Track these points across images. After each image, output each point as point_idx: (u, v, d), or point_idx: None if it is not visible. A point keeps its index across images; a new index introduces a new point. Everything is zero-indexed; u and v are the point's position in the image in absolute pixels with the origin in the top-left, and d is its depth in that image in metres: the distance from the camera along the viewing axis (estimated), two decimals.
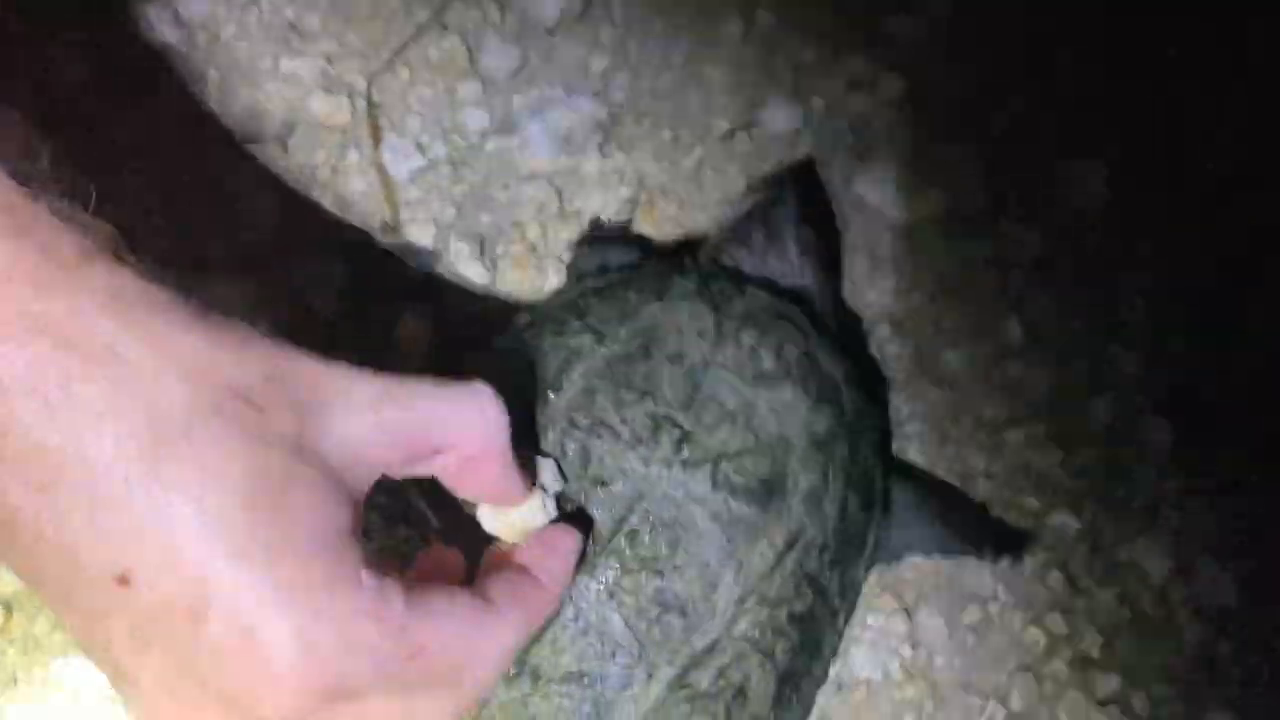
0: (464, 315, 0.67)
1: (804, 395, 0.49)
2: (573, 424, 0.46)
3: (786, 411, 0.48)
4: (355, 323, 0.65)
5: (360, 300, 0.66)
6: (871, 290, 0.72)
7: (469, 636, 0.32)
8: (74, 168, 0.66)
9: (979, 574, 0.63)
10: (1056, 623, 0.62)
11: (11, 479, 0.26)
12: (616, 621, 0.43)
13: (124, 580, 0.26)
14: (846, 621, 0.51)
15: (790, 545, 0.46)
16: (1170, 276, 0.74)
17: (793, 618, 0.46)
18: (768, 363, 0.49)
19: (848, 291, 0.72)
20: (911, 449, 0.67)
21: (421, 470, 0.34)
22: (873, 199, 0.75)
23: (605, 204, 0.71)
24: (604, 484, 0.45)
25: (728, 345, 0.49)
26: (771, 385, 0.48)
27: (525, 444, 0.43)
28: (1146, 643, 0.62)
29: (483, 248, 0.69)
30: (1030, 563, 0.64)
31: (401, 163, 0.70)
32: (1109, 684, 0.61)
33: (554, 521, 0.41)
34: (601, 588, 0.43)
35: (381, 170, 0.69)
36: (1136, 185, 0.77)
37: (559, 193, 0.71)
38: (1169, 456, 0.68)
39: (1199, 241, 0.75)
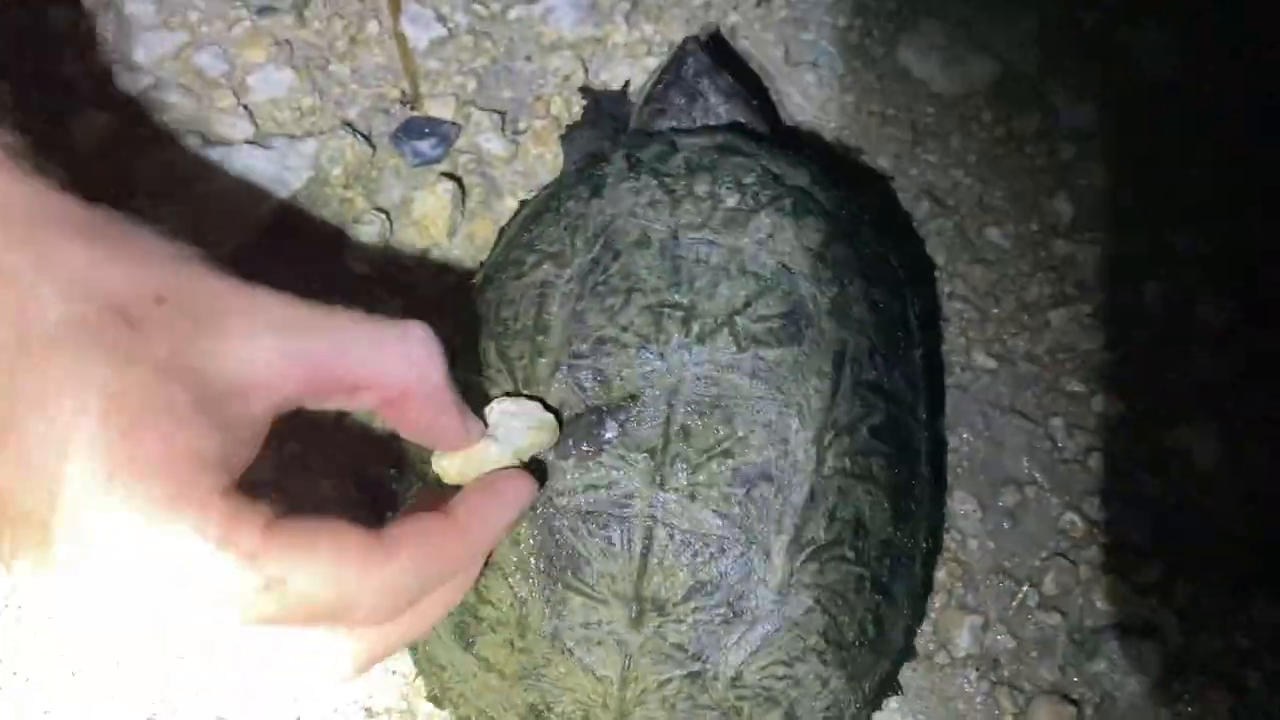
0: (484, 194, 0.65)
1: (781, 215, 0.46)
2: (575, 356, 0.42)
3: (773, 239, 0.45)
4: (368, 198, 0.63)
5: (377, 176, 0.64)
6: (913, 166, 0.69)
7: (344, 574, 0.29)
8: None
9: (1016, 457, 0.61)
10: (1095, 508, 0.60)
11: None
12: (710, 519, 0.41)
13: None
14: (930, 412, 0.50)
15: (839, 365, 0.44)
16: (1234, 151, 0.69)
17: (874, 431, 0.44)
18: (731, 199, 0.46)
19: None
20: (950, 328, 0.64)
21: (338, 405, 0.32)
22: (917, 69, 0.71)
23: (633, 76, 0.68)
24: (634, 397, 0.42)
25: (684, 203, 0.45)
26: (745, 221, 0.45)
27: (522, 395, 0.41)
28: (1191, 530, 0.59)
29: (504, 122, 0.66)
30: (1071, 446, 0.61)
31: (422, 33, 0.68)
32: (1150, 572, 0.58)
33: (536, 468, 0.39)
34: (681, 495, 0.41)
35: (401, 41, 0.67)
36: (1202, 53, 0.72)
37: (584, 64, 0.68)
38: (1225, 338, 0.65)
39: (1266, 114, 0.70)
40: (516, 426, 0.39)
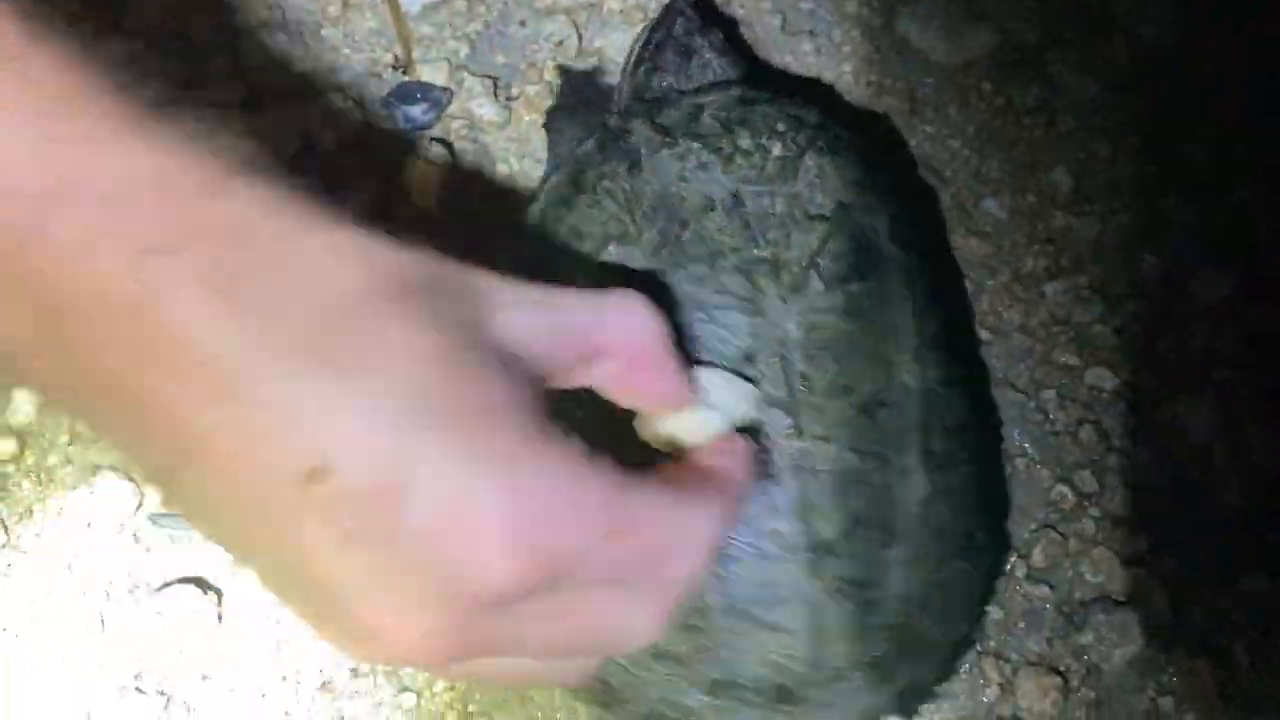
0: (475, 161, 0.65)
1: (821, 155, 0.47)
2: (679, 329, 0.43)
3: (822, 179, 0.47)
4: (359, 164, 0.63)
5: (368, 142, 0.64)
6: (911, 136, 0.68)
7: (679, 518, 0.30)
8: None
9: (1007, 430, 0.61)
10: (1086, 480, 0.59)
11: (188, 395, 0.25)
12: (848, 455, 0.43)
13: (315, 474, 0.24)
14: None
15: (911, 285, 0.47)
16: (1235, 125, 0.69)
17: (948, 339, 0.48)
18: (776, 149, 0.47)
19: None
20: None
21: (584, 378, 0.32)
22: (916, 38, 0.71)
23: (629, 43, 0.67)
24: (750, 357, 0.43)
25: (735, 159, 0.46)
26: (795, 166, 0.47)
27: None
28: (1182, 503, 0.59)
29: (497, 88, 0.66)
30: (1062, 418, 0.61)
31: None
32: (1138, 544, 0.58)
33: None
34: (817, 439, 0.43)
35: (394, 5, 0.66)
36: (1204, 27, 0.72)
37: (578, 30, 0.68)
38: (1223, 313, 0.64)
39: (1269, 89, 0.69)
40: (727, 394, 0.39)
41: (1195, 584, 0.57)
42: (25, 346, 0.26)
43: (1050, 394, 0.61)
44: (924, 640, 0.47)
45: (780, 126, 0.48)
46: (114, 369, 0.25)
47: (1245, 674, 0.54)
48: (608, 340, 0.32)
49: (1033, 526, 0.59)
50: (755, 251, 0.44)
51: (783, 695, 0.45)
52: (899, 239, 0.48)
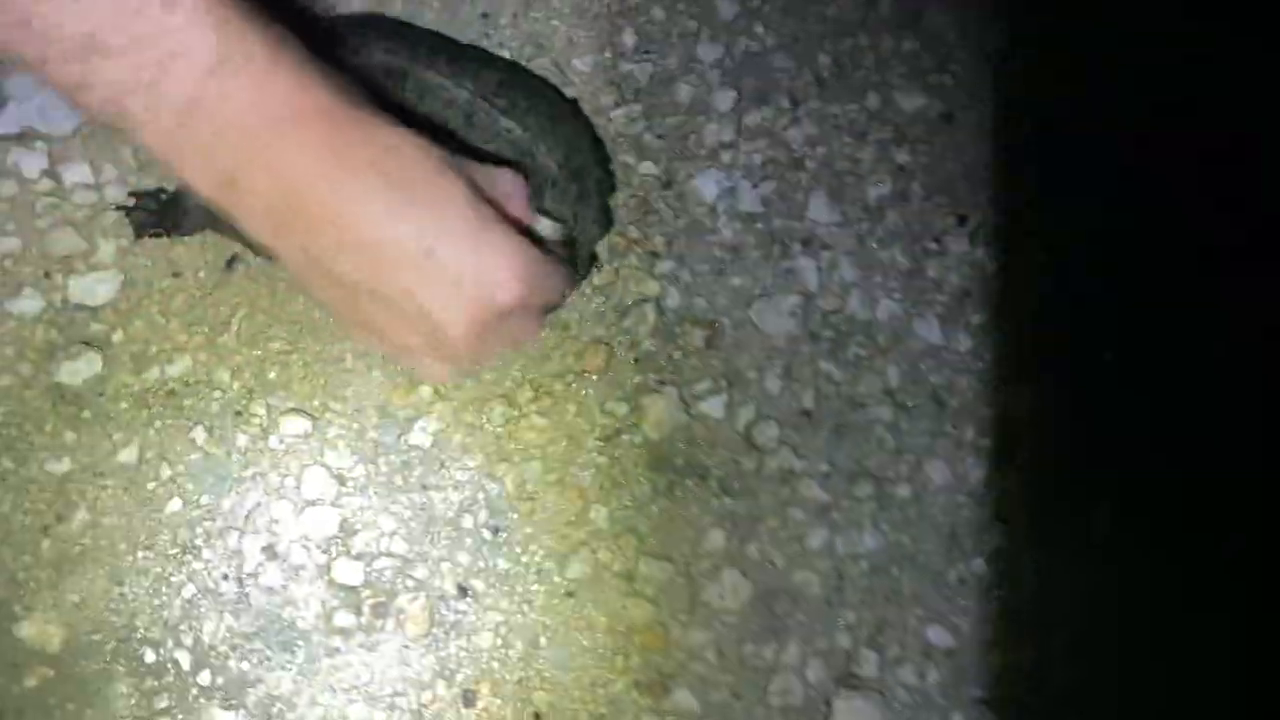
0: None
1: None
2: None
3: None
4: None
5: None
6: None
7: (560, 272, 0.65)
8: None
9: None
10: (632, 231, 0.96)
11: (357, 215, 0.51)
12: None
13: (428, 253, 0.52)
14: None
15: None
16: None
17: None
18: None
19: None
20: None
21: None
22: None
23: None
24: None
25: None
26: None
27: None
28: (694, 240, 0.96)
29: None
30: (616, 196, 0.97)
31: None
32: (663, 266, 0.95)
33: None
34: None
35: None
36: None
37: None
38: (732, 113, 0.99)
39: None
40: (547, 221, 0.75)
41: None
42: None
43: None
44: None
45: None
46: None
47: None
48: (505, 190, 0.64)
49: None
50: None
51: None
52: None
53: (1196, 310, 1.00)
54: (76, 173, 0.90)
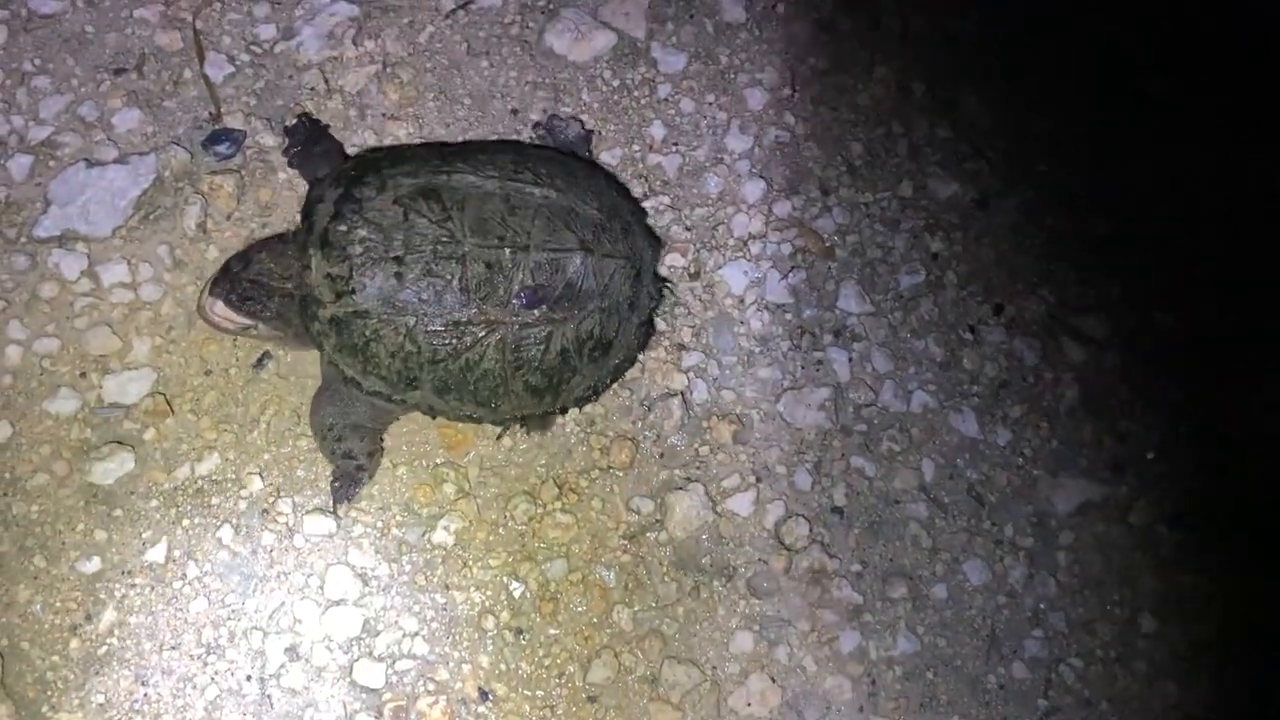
0: (264, 174, 1.01)
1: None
2: None
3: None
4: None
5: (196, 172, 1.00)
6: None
7: None
8: None
9: None
10: None
11: None
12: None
13: None
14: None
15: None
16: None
17: None
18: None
19: None
20: None
21: None
22: (557, 46, 1.05)
23: (360, 81, 1.03)
24: None
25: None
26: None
27: None
28: (722, 331, 0.95)
29: (273, 124, 1.02)
30: None
31: (219, 71, 1.03)
32: (690, 359, 0.94)
33: None
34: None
35: (206, 79, 1.02)
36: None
37: (326, 78, 1.03)
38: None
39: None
40: None
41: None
42: None
43: None
44: None
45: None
46: None
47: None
48: None
49: None
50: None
51: None
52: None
53: (1235, 412, 0.97)
54: (114, 272, 0.93)
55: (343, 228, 0.79)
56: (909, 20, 1.09)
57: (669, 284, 0.94)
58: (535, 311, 0.79)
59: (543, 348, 0.81)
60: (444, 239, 0.78)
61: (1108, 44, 1.09)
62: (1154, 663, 0.89)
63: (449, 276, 0.78)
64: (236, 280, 0.82)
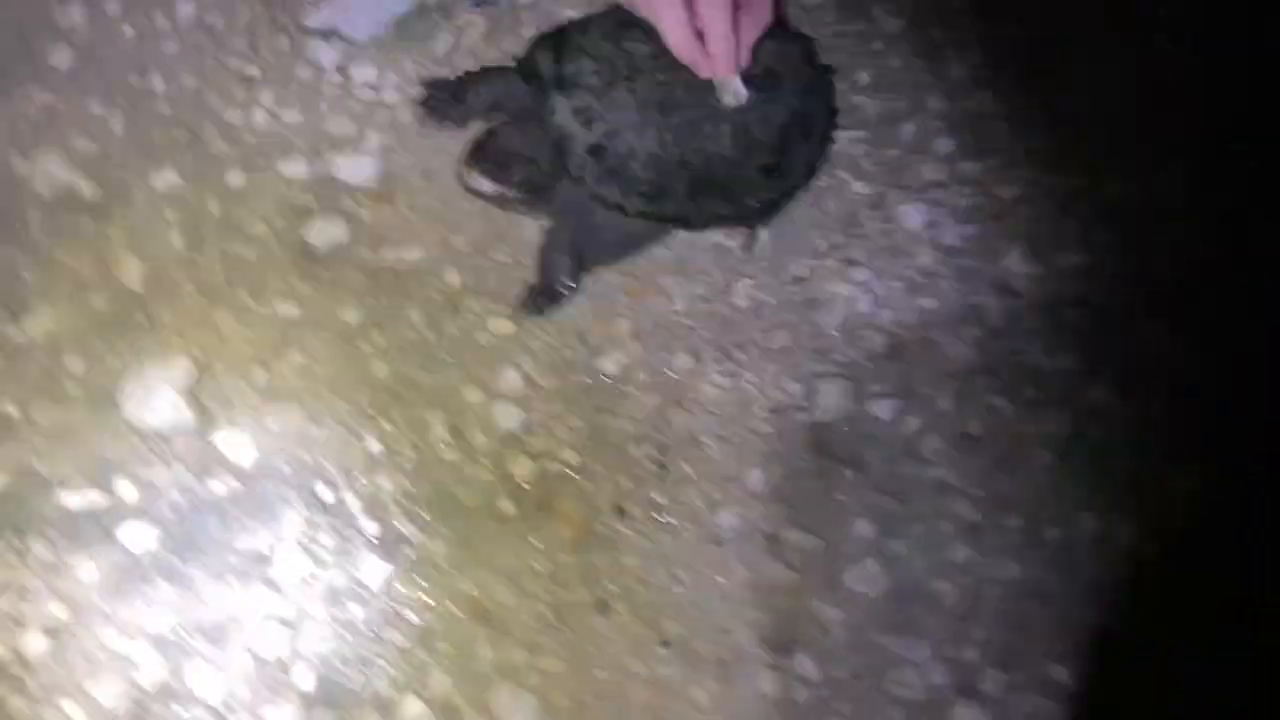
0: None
1: None
2: None
3: None
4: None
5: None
6: None
7: None
8: None
9: None
10: None
11: None
12: None
13: None
14: None
15: None
16: None
17: None
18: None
19: None
20: None
21: None
22: None
23: None
24: None
25: None
26: None
27: None
28: (893, 259, 1.01)
29: None
30: None
31: None
32: (859, 274, 1.00)
33: None
34: None
35: None
36: None
37: None
38: None
39: None
40: None
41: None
42: None
43: None
44: None
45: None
46: None
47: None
48: None
49: None
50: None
51: None
52: None
53: None
54: (364, 72, 1.01)
55: (571, 67, 0.90)
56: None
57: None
58: (749, 97, 0.89)
59: (767, 126, 0.91)
60: (658, 53, 0.88)
61: None
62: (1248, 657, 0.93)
63: (673, 83, 0.88)
64: (489, 151, 0.91)
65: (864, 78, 1.10)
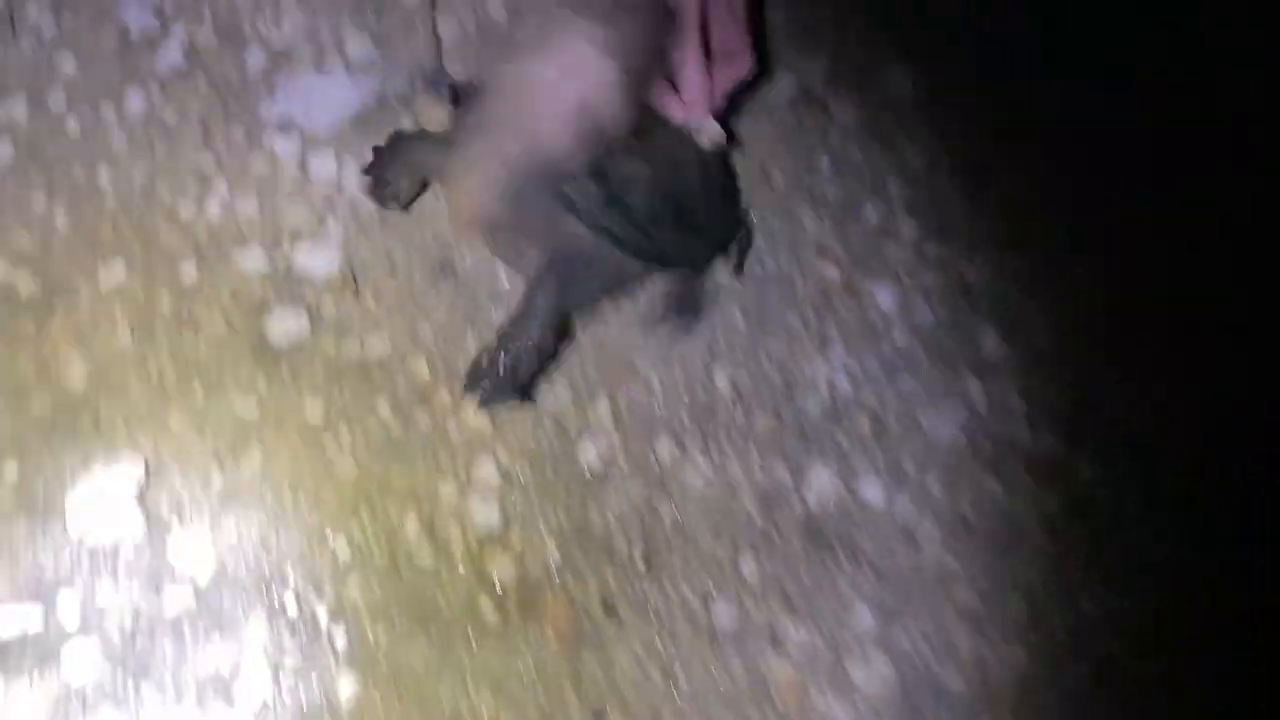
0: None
1: None
2: None
3: None
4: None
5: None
6: None
7: None
8: None
9: None
10: None
11: None
12: None
13: None
14: None
15: None
16: None
17: None
18: None
19: None
20: None
21: None
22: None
23: None
24: None
25: None
26: None
27: None
28: (868, 339, 0.99)
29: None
30: None
31: (448, 34, 1.12)
32: (835, 353, 0.98)
33: None
34: None
35: (437, 37, 1.11)
36: None
37: None
38: None
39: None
40: None
41: None
42: None
43: None
44: None
45: None
46: None
47: None
48: None
49: None
50: None
51: None
52: None
53: None
54: (323, 163, 0.98)
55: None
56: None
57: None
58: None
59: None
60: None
61: None
62: None
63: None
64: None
65: (823, 164, 1.11)
